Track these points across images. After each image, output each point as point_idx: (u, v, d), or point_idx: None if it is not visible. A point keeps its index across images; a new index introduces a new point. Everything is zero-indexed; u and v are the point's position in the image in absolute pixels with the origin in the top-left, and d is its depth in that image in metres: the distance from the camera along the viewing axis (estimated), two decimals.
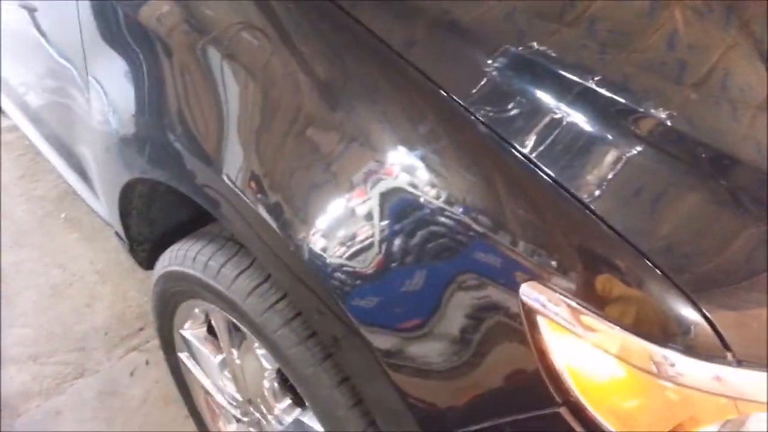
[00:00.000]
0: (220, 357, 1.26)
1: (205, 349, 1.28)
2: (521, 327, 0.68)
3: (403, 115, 0.77)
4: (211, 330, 1.26)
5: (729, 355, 0.62)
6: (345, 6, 0.84)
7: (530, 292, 0.67)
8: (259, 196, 0.85)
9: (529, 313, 0.67)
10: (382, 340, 0.77)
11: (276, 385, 1.13)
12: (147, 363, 1.76)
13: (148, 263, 1.37)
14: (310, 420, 1.11)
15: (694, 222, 0.69)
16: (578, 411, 0.67)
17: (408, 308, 0.75)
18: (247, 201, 0.86)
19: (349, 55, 0.83)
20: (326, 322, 0.84)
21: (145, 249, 1.37)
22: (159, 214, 1.30)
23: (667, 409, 0.65)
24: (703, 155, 0.73)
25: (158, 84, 1.01)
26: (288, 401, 1.16)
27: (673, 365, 0.63)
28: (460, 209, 0.71)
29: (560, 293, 0.66)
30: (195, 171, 0.96)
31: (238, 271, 1.00)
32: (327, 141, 0.81)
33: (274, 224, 0.83)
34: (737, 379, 0.62)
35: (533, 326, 0.67)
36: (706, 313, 0.62)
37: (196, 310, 1.22)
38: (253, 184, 0.86)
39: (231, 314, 1.05)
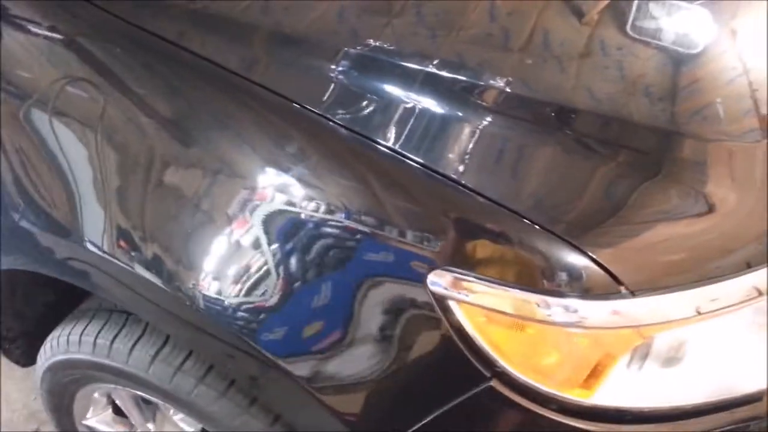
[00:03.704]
0: None
1: None
2: (435, 315, 0.69)
3: (259, 134, 0.76)
4: (117, 410, 1.16)
5: (622, 289, 0.66)
6: (173, 38, 0.80)
7: (436, 280, 0.68)
8: (133, 254, 0.79)
9: (441, 300, 0.68)
10: (303, 367, 0.75)
11: None
12: None
13: (26, 359, 1.24)
14: None
15: (552, 174, 0.73)
16: (508, 379, 0.69)
17: (321, 328, 0.73)
18: (120, 263, 0.80)
19: (189, 87, 0.80)
20: (239, 365, 0.80)
21: (19, 345, 1.24)
22: (24, 303, 1.17)
23: (582, 354, 0.69)
24: (545, 111, 0.78)
25: None
26: None
27: (576, 311, 0.66)
28: (342, 215, 0.71)
29: (463, 274, 0.68)
30: (52, 247, 0.88)
31: (132, 341, 0.93)
32: (190, 179, 0.77)
33: (157, 280, 0.78)
34: (635, 308, 0.67)
35: (447, 311, 0.68)
36: (592, 255, 0.66)
37: (96, 395, 1.12)
38: (122, 243, 0.80)
39: (136, 389, 0.98)
